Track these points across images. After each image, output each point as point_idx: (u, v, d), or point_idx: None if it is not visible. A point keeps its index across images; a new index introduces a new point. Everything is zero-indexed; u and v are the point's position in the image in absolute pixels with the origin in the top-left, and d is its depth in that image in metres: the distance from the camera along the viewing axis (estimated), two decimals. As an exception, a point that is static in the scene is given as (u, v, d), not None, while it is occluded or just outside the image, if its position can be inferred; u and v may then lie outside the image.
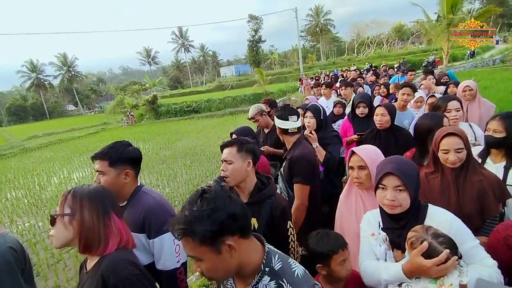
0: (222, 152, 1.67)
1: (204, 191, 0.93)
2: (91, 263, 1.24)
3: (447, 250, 1.15)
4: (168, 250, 1.62)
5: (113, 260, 1.19)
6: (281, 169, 2.40)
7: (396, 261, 1.35)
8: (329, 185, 2.79)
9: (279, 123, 2.32)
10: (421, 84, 4.49)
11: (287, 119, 2.29)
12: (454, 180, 1.70)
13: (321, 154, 2.74)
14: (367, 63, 25.84)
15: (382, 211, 1.44)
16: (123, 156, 1.66)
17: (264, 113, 3.42)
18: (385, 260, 1.39)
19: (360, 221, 1.57)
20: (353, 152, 1.76)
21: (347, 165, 1.79)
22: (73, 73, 59.30)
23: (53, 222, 1.18)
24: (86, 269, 1.25)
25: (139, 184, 1.77)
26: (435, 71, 9.44)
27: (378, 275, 1.34)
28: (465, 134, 1.75)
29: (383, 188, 1.38)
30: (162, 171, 8.81)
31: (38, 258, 4.73)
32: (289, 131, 2.29)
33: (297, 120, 2.31)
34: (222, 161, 1.64)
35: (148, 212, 1.62)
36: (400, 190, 1.34)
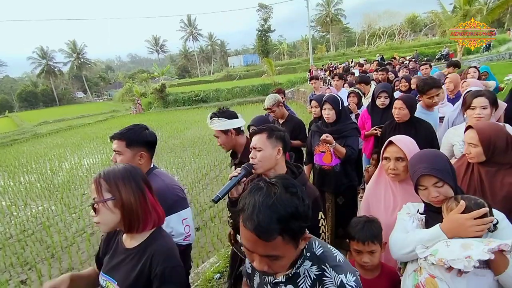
0: (251, 140, 1.63)
1: (285, 185, 0.86)
2: (131, 241, 1.26)
3: (486, 208, 1.19)
4: (175, 231, 1.67)
5: (164, 246, 1.22)
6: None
7: None
8: (345, 177, 2.78)
9: (234, 123, 2.13)
10: (446, 78, 4.32)
11: (237, 117, 2.19)
12: (479, 176, 1.64)
13: (340, 152, 2.68)
14: (377, 54, 25.32)
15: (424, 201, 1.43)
16: (140, 139, 1.75)
17: (280, 104, 3.40)
18: None
19: (389, 212, 1.55)
20: (390, 142, 1.70)
21: (381, 155, 1.74)
22: (82, 60, 59.66)
23: (96, 210, 1.18)
24: (124, 245, 1.27)
25: (152, 166, 1.83)
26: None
27: (410, 239, 1.33)
28: (485, 131, 1.65)
29: (424, 188, 1.37)
30: (171, 159, 8.88)
31: (52, 241, 4.85)
32: (241, 128, 2.21)
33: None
34: (251, 148, 1.60)
35: (156, 194, 1.64)
36: (440, 186, 1.33)
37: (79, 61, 58.95)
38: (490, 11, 17.95)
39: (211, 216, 5.03)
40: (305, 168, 2.94)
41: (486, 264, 1.16)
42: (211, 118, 2.16)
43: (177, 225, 1.67)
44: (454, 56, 20.74)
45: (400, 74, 6.05)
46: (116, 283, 1.22)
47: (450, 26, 19.25)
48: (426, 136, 2.54)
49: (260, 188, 0.86)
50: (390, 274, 1.56)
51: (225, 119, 2.11)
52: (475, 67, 4.62)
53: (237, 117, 2.18)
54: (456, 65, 5.66)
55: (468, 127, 1.70)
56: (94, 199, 1.18)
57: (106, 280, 1.26)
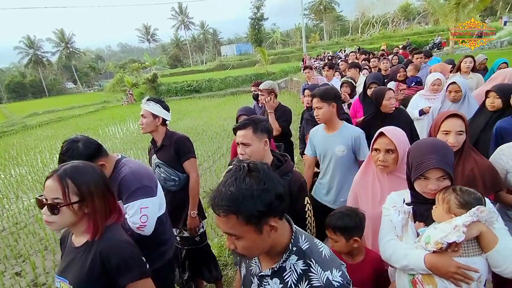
0: (235, 134, 1.64)
1: (250, 169, 0.89)
2: (80, 239, 1.24)
3: (478, 269, 1.17)
4: (131, 219, 1.67)
5: (112, 241, 1.21)
6: (158, 160, 2.45)
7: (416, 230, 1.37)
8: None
9: (165, 114, 2.40)
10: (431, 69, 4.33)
11: (169, 112, 2.45)
12: None
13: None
14: (355, 46, 25.36)
15: (413, 190, 1.42)
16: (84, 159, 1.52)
17: (272, 93, 3.34)
18: (402, 228, 1.40)
19: (377, 203, 1.56)
20: (381, 134, 1.68)
21: (371, 146, 1.73)
22: (71, 49, 58.32)
23: (55, 210, 1.13)
24: (74, 244, 1.26)
25: (119, 157, 1.82)
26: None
27: (397, 260, 1.34)
28: (466, 118, 1.75)
29: (424, 179, 1.33)
30: (165, 150, 8.82)
31: (45, 233, 4.84)
32: (166, 122, 2.44)
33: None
34: (238, 144, 1.61)
35: (122, 180, 1.69)
36: (443, 179, 1.31)
37: (68, 51, 57.63)
38: (482, -1, 17.97)
39: (205, 206, 5.04)
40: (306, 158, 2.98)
41: (477, 249, 1.21)
42: (148, 100, 2.39)
43: (133, 213, 1.67)
44: (447, 44, 20.81)
45: (382, 66, 5.90)
46: (68, 282, 1.21)
47: (443, 14, 19.28)
48: (406, 123, 2.62)
49: (230, 170, 0.92)
50: (374, 260, 1.60)
51: (160, 107, 2.37)
52: (470, 56, 4.53)
53: (169, 112, 2.47)
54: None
55: (453, 115, 1.74)
56: (55, 198, 1.13)
57: (59, 281, 1.25)
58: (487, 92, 2.47)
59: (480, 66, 4.93)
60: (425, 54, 6.17)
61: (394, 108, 2.72)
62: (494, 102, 2.39)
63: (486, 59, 5.08)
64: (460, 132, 1.69)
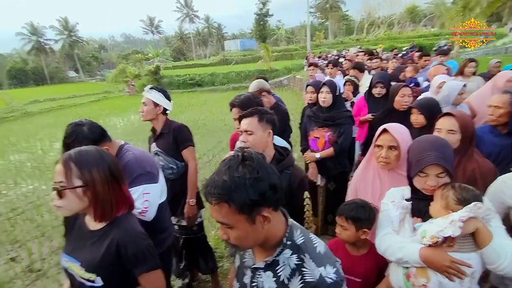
0: (239, 122, 1.64)
1: (244, 158, 0.88)
2: (96, 224, 1.23)
3: (472, 264, 1.18)
4: (135, 203, 1.63)
5: (130, 231, 1.22)
6: (157, 148, 2.46)
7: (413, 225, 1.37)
8: (337, 164, 2.82)
9: (166, 103, 2.42)
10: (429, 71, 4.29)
11: (170, 101, 2.48)
12: None
13: (329, 154, 2.79)
14: (358, 46, 25.43)
15: (413, 186, 1.42)
16: (89, 142, 1.50)
17: (263, 92, 3.16)
18: (399, 223, 1.40)
19: (376, 200, 1.57)
20: (384, 130, 1.68)
21: (374, 142, 1.73)
22: (74, 38, 58.10)
23: (61, 194, 1.14)
24: (89, 227, 1.26)
25: (122, 143, 1.82)
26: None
27: (392, 252, 1.35)
28: (465, 119, 1.75)
29: (424, 175, 1.33)
30: (165, 142, 8.79)
31: (42, 220, 4.84)
32: (166, 111, 2.46)
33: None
34: (241, 131, 1.61)
35: (125, 166, 1.68)
36: (443, 176, 1.31)
37: (71, 39, 57.40)
38: (489, 4, 17.85)
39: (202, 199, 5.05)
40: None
41: (472, 246, 1.21)
42: (151, 88, 2.42)
43: (136, 198, 1.65)
44: (452, 48, 20.72)
45: (390, 65, 5.94)
46: (80, 264, 1.20)
47: (449, 17, 19.19)
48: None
49: (225, 159, 0.92)
50: (377, 254, 1.60)
51: (162, 96, 2.40)
52: (473, 60, 4.50)
53: (171, 102, 2.49)
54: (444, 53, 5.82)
55: (446, 115, 1.77)
56: (60, 182, 1.13)
57: (68, 261, 1.24)
58: (410, 108, 2.45)
59: (494, 69, 4.91)
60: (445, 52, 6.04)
61: (406, 106, 2.65)
62: (417, 119, 2.30)
63: (500, 61, 5.02)
64: (451, 131, 1.71)
